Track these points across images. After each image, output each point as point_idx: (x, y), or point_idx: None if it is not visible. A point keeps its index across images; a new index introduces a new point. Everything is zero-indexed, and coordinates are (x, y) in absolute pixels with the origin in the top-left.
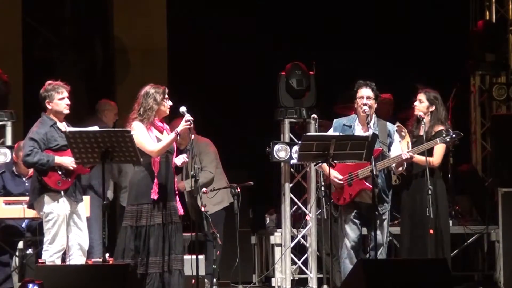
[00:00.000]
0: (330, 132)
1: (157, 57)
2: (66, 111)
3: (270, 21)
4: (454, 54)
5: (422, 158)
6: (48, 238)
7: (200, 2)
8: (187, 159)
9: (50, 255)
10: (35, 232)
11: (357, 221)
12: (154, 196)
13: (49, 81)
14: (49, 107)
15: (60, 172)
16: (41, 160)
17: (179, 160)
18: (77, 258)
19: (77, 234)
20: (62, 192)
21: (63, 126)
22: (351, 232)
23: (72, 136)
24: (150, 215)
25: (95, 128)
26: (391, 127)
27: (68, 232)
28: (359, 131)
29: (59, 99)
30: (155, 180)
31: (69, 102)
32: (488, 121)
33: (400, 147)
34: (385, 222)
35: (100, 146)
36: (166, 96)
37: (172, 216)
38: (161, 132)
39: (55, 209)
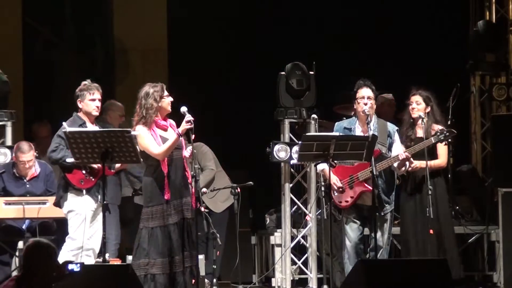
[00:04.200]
0: None
1: (157, 57)
2: (95, 113)
3: (270, 21)
4: (454, 54)
5: (429, 162)
6: (70, 235)
7: (200, 2)
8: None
9: (67, 251)
10: (35, 232)
11: (358, 222)
12: (167, 196)
13: (85, 82)
14: (80, 106)
15: (84, 171)
16: (65, 156)
17: (187, 152)
18: (85, 259)
19: (90, 234)
20: (84, 191)
21: (93, 128)
22: (352, 233)
23: (72, 136)
24: (166, 215)
25: (95, 128)
26: (392, 127)
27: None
28: (359, 132)
29: (90, 99)
30: (165, 181)
31: (99, 104)
32: (488, 121)
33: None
34: (387, 224)
35: (100, 146)
36: (166, 93)
37: (184, 213)
38: (165, 131)
39: (76, 207)
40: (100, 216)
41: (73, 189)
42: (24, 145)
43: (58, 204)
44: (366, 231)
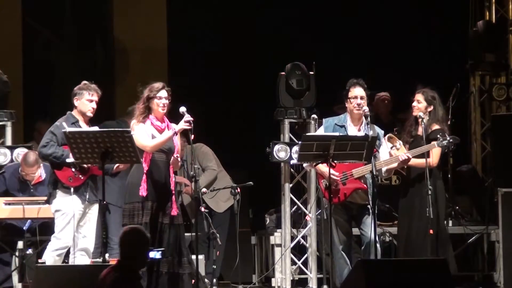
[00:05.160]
0: (321, 131)
1: (157, 57)
2: (90, 114)
3: (270, 21)
4: (454, 54)
5: (419, 161)
6: (55, 234)
7: (200, 2)
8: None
9: (51, 250)
10: (34, 232)
11: (347, 222)
12: (143, 193)
13: (85, 81)
14: (76, 104)
15: (74, 169)
16: (55, 153)
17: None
18: (80, 258)
19: (83, 234)
20: (72, 189)
21: (88, 128)
22: (341, 233)
23: (72, 136)
24: (142, 213)
25: (95, 128)
26: (379, 129)
27: (75, 231)
28: (351, 130)
29: (88, 100)
30: (144, 177)
31: (95, 106)
32: (488, 121)
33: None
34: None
35: (100, 146)
36: (162, 94)
37: (159, 217)
38: (160, 132)
39: (63, 206)
40: (93, 216)
41: (61, 187)
42: (31, 157)
43: (48, 201)
44: (356, 231)
